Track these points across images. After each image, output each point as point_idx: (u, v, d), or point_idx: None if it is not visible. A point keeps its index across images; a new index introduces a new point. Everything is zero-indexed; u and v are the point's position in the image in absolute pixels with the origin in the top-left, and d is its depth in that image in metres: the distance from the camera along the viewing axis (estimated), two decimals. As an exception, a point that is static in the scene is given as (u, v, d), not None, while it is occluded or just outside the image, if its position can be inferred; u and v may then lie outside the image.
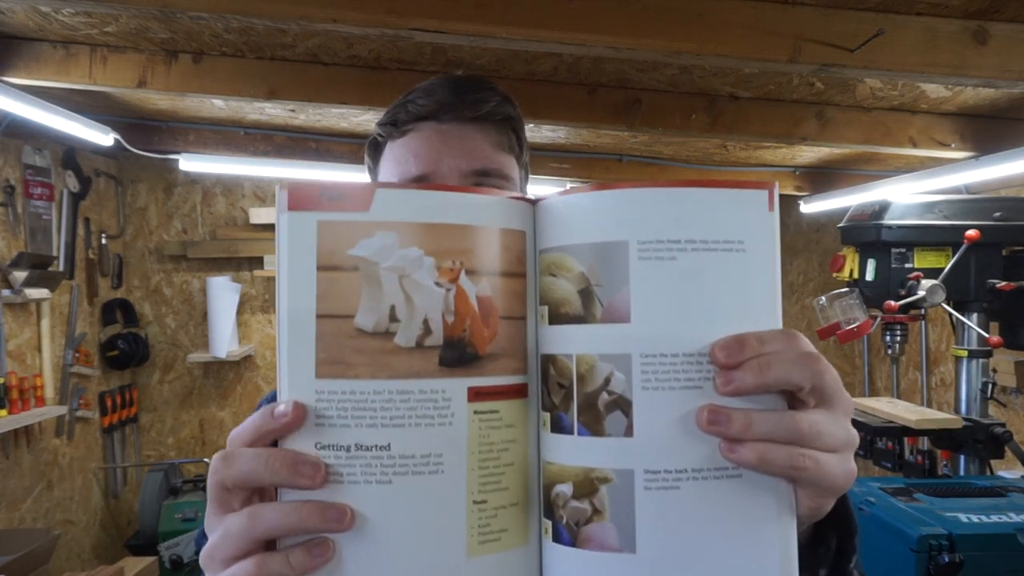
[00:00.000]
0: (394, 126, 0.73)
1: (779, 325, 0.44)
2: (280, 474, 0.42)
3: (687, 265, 0.43)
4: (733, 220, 0.44)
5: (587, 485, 0.44)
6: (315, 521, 0.41)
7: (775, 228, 0.44)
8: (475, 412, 0.44)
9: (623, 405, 0.43)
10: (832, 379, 0.43)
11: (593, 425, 0.44)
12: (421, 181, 0.71)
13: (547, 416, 0.46)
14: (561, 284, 0.46)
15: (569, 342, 0.45)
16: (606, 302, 0.44)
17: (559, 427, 0.45)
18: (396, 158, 0.73)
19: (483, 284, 0.45)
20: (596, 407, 0.44)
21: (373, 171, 0.79)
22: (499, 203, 0.46)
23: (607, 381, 0.44)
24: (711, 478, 0.43)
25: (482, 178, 0.71)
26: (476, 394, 0.45)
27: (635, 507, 0.43)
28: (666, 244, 0.43)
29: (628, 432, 0.43)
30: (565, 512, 0.44)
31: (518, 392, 0.46)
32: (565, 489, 0.45)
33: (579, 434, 0.44)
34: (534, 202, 0.47)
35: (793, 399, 0.44)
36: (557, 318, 0.46)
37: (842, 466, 0.44)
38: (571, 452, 0.45)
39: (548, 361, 0.46)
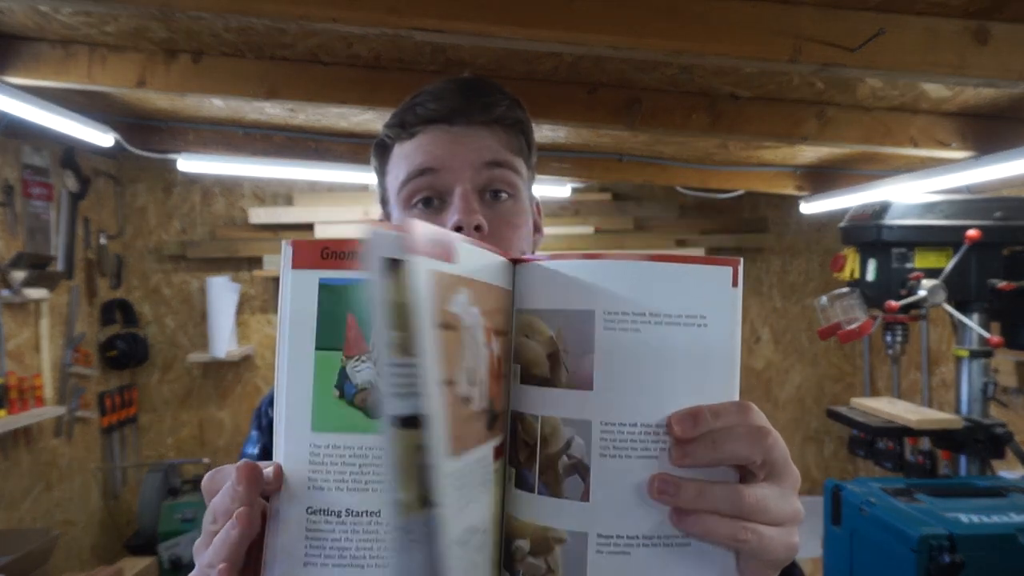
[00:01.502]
0: (402, 128, 0.74)
1: (735, 396, 0.45)
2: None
3: (650, 337, 0.44)
4: (697, 295, 0.45)
5: (543, 543, 0.45)
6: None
7: (737, 304, 0.46)
8: (494, 472, 0.46)
9: (581, 470, 0.44)
10: (781, 454, 0.45)
11: (553, 486, 0.45)
12: (425, 174, 0.72)
13: (512, 471, 0.47)
14: (532, 346, 0.47)
15: (536, 403, 0.46)
16: (571, 368, 0.45)
17: (522, 483, 0.47)
18: (405, 155, 0.73)
19: (494, 343, 0.46)
20: (556, 469, 0.45)
21: (381, 173, 0.79)
22: (503, 263, 0.47)
23: (568, 445, 0.45)
24: (661, 545, 0.44)
25: (495, 169, 0.72)
26: (498, 453, 0.46)
27: (587, 569, 0.44)
28: (631, 316, 0.44)
29: (584, 496, 0.44)
30: (522, 567, 0.45)
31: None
32: (523, 544, 0.46)
33: (539, 492, 0.46)
34: (515, 262, 0.49)
35: (744, 470, 0.45)
36: (527, 378, 0.47)
37: (784, 540, 0.45)
38: (531, 509, 0.46)
39: (517, 419, 0.47)
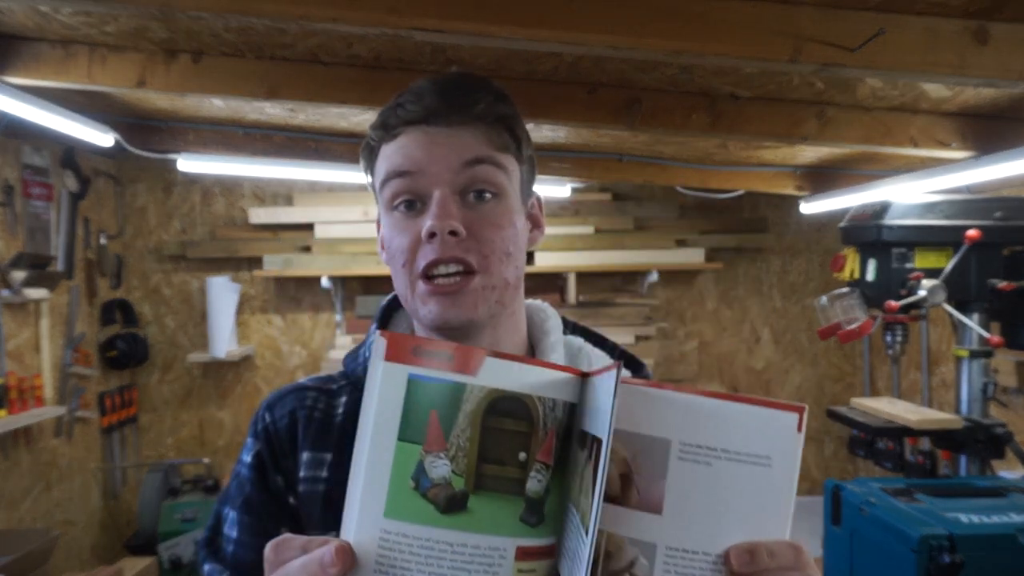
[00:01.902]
0: (385, 129, 0.74)
1: (787, 534, 0.49)
2: None
3: (720, 472, 0.48)
4: (765, 437, 0.49)
5: None
6: None
7: (798, 448, 0.50)
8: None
9: None
10: None
11: None
12: (404, 176, 0.71)
13: None
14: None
15: (604, 519, 0.48)
16: (643, 490, 0.49)
17: None
18: (387, 157, 0.73)
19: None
20: None
21: (369, 174, 0.79)
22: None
23: (631, 564, 0.48)
24: None
25: (475, 167, 0.71)
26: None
27: None
28: (705, 450, 0.48)
29: None
30: None
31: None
32: None
33: None
34: (584, 376, 0.53)
35: None
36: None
37: None
38: None
39: None
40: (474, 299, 0.71)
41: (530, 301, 0.87)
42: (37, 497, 3.01)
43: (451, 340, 0.75)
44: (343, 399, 0.81)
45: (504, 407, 0.50)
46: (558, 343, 0.82)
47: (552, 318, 0.85)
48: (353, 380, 0.82)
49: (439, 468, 0.48)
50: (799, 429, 0.50)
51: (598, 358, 0.84)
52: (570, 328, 0.89)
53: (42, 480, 3.05)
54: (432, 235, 0.69)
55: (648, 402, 0.49)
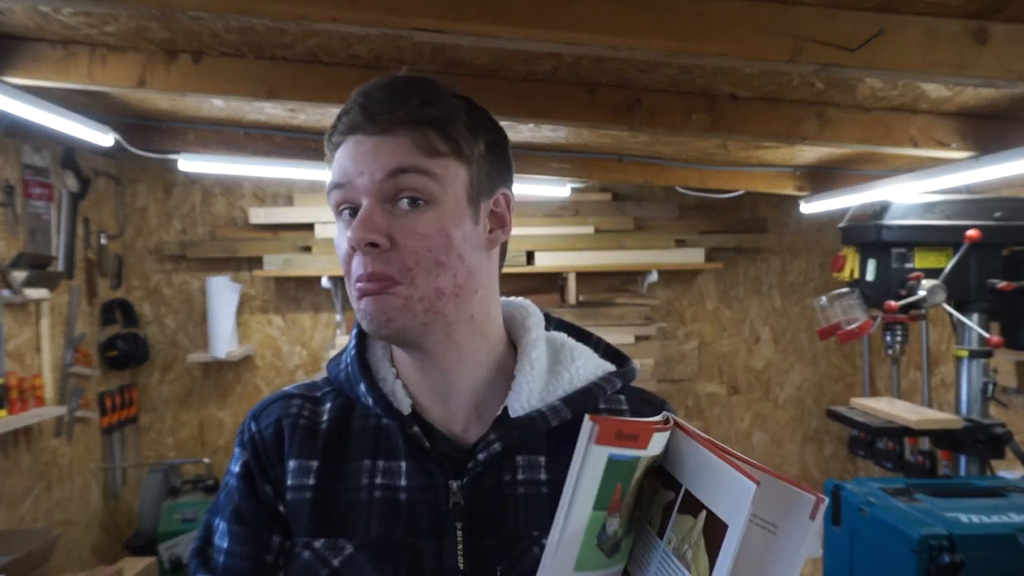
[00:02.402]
0: (330, 140, 0.76)
1: None
2: None
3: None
4: (778, 507, 0.54)
5: None
6: None
7: (809, 530, 0.53)
8: None
9: None
10: None
11: None
12: (338, 188, 0.73)
13: None
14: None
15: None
16: None
17: None
18: (333, 169, 0.75)
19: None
20: None
21: None
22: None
23: None
24: None
25: (399, 176, 0.70)
26: None
27: None
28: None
29: None
30: None
31: None
32: None
33: None
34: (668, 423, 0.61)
35: None
36: None
37: None
38: None
39: None
40: (394, 304, 0.71)
41: (511, 299, 0.86)
42: (37, 497, 3.01)
43: (401, 348, 0.78)
44: (327, 406, 0.81)
45: (650, 467, 0.61)
46: (539, 339, 0.81)
47: (533, 315, 0.84)
48: (336, 387, 0.82)
49: (613, 525, 0.59)
50: (811, 516, 0.53)
51: (581, 352, 0.83)
52: (553, 324, 0.88)
53: (42, 480, 3.05)
54: (353, 247, 0.71)
55: (700, 459, 0.57)
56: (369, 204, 0.70)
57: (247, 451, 0.79)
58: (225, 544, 0.77)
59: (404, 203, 0.70)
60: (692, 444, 0.58)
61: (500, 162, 0.78)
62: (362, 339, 0.82)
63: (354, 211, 0.72)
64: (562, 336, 0.86)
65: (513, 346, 0.83)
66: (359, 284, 0.71)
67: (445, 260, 0.71)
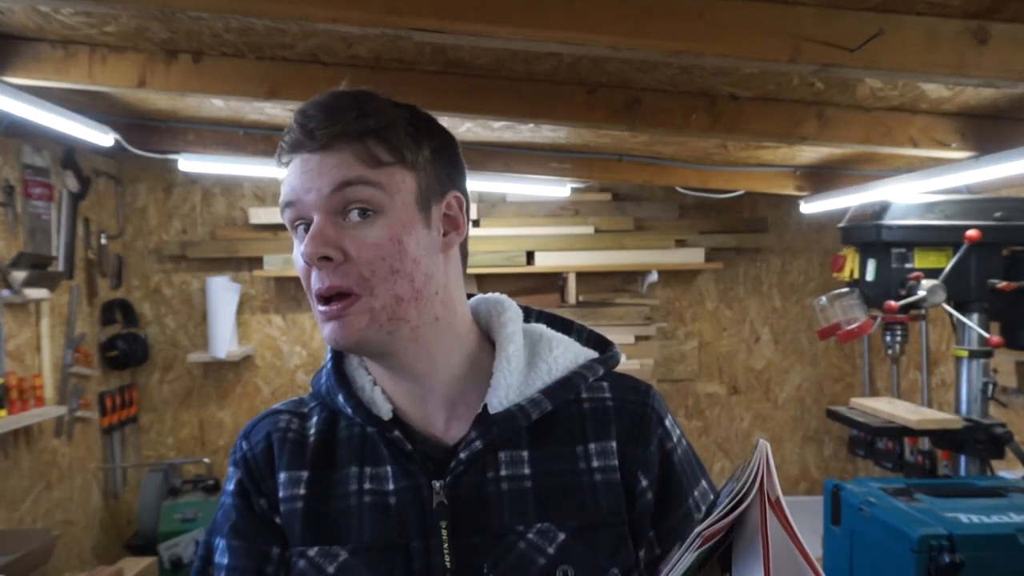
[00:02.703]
0: (280, 162, 0.77)
1: None
2: None
3: None
4: None
5: None
6: None
7: None
8: None
9: None
10: None
11: None
12: (289, 207, 0.73)
13: None
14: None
15: None
16: None
17: None
18: (283, 188, 0.76)
19: None
20: None
21: None
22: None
23: None
24: None
25: (345, 189, 0.71)
26: None
27: None
28: None
29: None
30: None
31: None
32: None
33: None
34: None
35: None
36: None
37: None
38: None
39: None
40: (359, 323, 0.71)
41: (487, 296, 0.87)
42: (37, 497, 3.01)
43: (369, 359, 0.79)
44: (314, 419, 0.82)
45: None
46: (515, 334, 0.81)
47: (508, 310, 0.84)
48: (321, 401, 0.83)
49: None
50: None
51: (559, 342, 0.83)
52: (533, 316, 0.88)
53: (42, 480, 3.05)
54: (308, 263, 0.71)
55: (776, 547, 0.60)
56: (319, 219, 0.71)
57: (240, 469, 0.80)
58: (226, 561, 0.77)
59: (354, 215, 0.71)
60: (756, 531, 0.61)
61: (449, 165, 0.79)
62: (337, 351, 0.84)
63: (308, 227, 0.73)
64: (540, 327, 0.86)
65: (491, 342, 0.83)
66: (322, 307, 0.72)
67: (400, 267, 0.72)
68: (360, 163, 0.72)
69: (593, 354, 0.84)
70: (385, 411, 0.78)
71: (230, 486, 0.81)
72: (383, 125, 0.73)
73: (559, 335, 0.85)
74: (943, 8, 1.45)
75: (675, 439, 0.83)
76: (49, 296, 2.98)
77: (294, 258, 0.75)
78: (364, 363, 0.82)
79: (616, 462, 0.79)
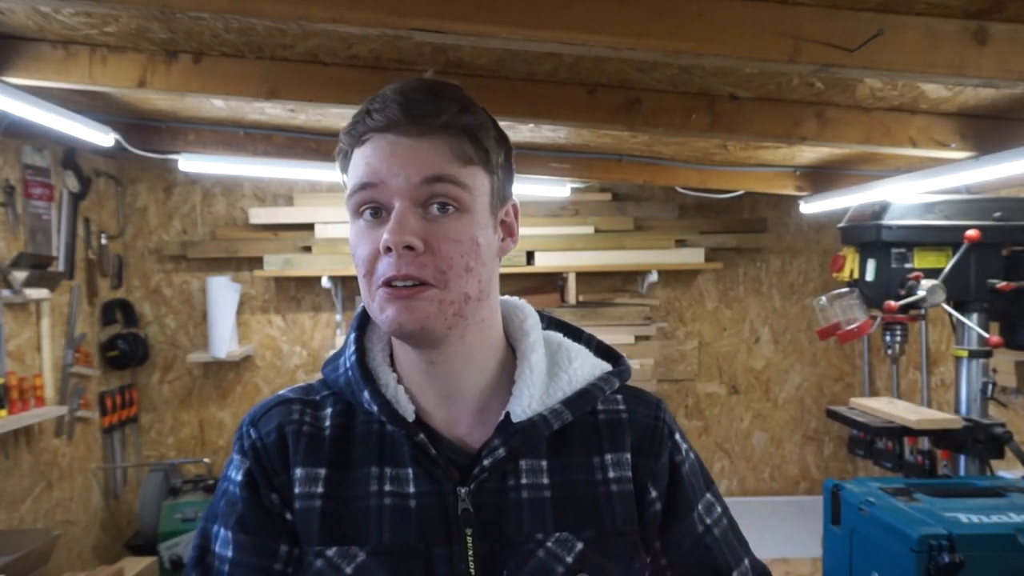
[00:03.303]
0: (353, 136, 0.74)
1: None
2: None
3: None
4: None
5: None
6: None
7: None
8: None
9: None
10: None
11: None
12: (367, 188, 0.71)
13: None
14: None
15: None
16: None
17: None
18: (354, 164, 0.73)
19: None
20: None
21: (345, 176, 0.78)
22: None
23: None
24: None
25: (435, 184, 0.70)
26: None
27: None
28: None
29: None
30: None
31: None
32: None
33: None
34: None
35: None
36: None
37: None
38: None
39: None
40: (428, 309, 0.71)
41: (507, 299, 0.86)
42: (38, 497, 3.01)
43: (416, 348, 0.76)
44: (328, 411, 0.80)
45: None
46: (537, 343, 0.82)
47: (530, 317, 0.85)
48: (335, 391, 0.82)
49: None
50: None
51: (577, 353, 0.84)
52: (546, 322, 0.88)
53: (43, 480, 3.05)
54: (389, 249, 0.69)
55: None
56: (403, 207, 0.70)
57: (248, 459, 0.78)
58: (229, 553, 0.76)
59: (435, 208, 0.71)
60: None
61: (512, 173, 0.80)
62: (361, 343, 0.82)
63: (376, 211, 0.72)
64: (558, 336, 0.86)
65: (511, 347, 0.83)
66: (389, 288, 0.70)
67: (473, 266, 0.72)
68: (454, 159, 0.71)
69: (608, 367, 0.85)
70: (409, 412, 0.77)
71: (237, 475, 0.78)
72: (479, 124, 0.74)
73: (577, 346, 0.85)
74: (943, 8, 1.45)
75: (683, 452, 0.85)
76: (49, 296, 2.98)
77: (353, 241, 0.74)
78: (388, 359, 0.81)
79: (630, 473, 0.80)
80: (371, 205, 0.72)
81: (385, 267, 0.70)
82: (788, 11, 1.43)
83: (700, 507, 0.83)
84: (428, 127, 0.71)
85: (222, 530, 0.77)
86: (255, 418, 0.80)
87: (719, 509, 0.85)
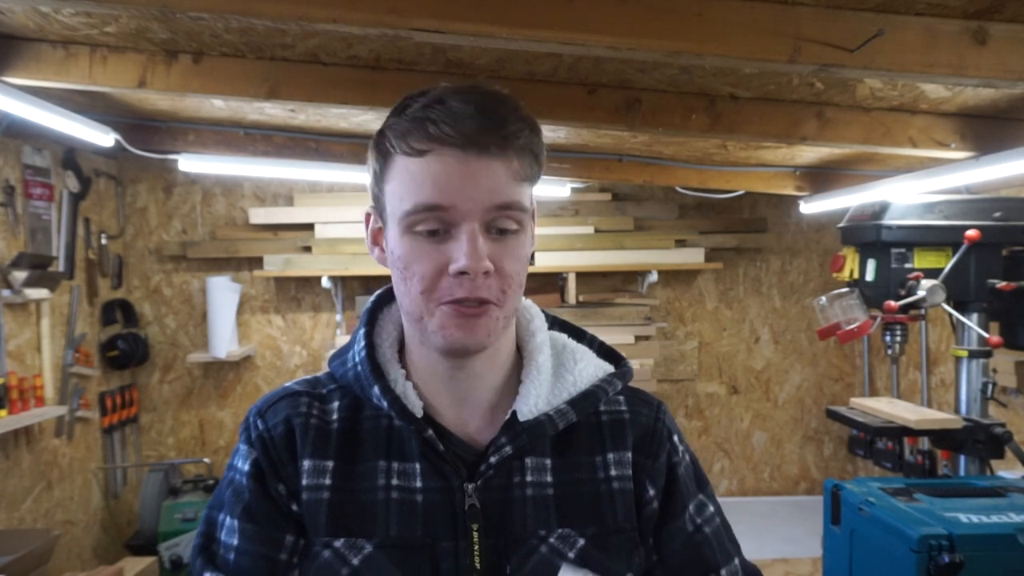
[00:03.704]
0: (410, 142, 0.70)
1: None
2: None
3: None
4: None
5: None
6: None
7: None
8: None
9: None
10: None
11: None
12: (437, 211, 0.69)
13: None
14: None
15: None
16: None
17: None
18: (413, 177, 0.70)
19: None
20: None
21: (380, 177, 0.75)
22: None
23: None
24: None
25: (501, 211, 0.70)
26: None
27: None
28: None
29: None
30: None
31: None
32: None
33: None
34: None
35: None
36: None
37: None
38: None
39: None
40: (489, 328, 0.72)
41: None
42: (38, 497, 3.01)
43: (454, 359, 0.76)
44: (336, 404, 0.81)
45: None
46: (544, 344, 0.83)
47: (537, 317, 0.85)
48: (342, 385, 0.82)
49: None
50: None
51: (582, 354, 0.85)
52: (550, 322, 0.89)
53: (43, 480, 3.05)
54: (463, 273, 0.69)
55: None
56: (475, 230, 0.69)
57: (256, 449, 0.79)
58: (235, 542, 0.76)
59: (495, 231, 0.71)
60: None
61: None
62: (370, 339, 0.82)
63: (432, 231, 0.70)
64: (563, 337, 0.87)
65: (517, 346, 0.84)
66: (456, 307, 0.70)
67: (522, 281, 0.74)
68: (520, 180, 0.72)
69: (611, 368, 0.86)
70: (417, 408, 0.77)
71: (244, 465, 0.79)
72: (539, 142, 0.74)
73: (581, 347, 0.86)
74: (943, 8, 1.45)
75: (680, 454, 0.86)
76: (49, 296, 2.98)
77: (408, 256, 0.71)
78: (397, 355, 0.82)
79: (630, 471, 0.82)
80: (431, 226, 0.70)
81: (452, 287, 0.70)
82: (788, 11, 1.43)
83: (692, 507, 0.84)
84: (505, 147, 0.69)
85: (228, 518, 0.78)
86: (262, 409, 0.81)
87: (711, 509, 0.86)
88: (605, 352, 0.89)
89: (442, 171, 0.68)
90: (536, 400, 0.78)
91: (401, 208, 0.71)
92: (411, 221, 0.70)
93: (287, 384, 0.84)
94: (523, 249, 0.73)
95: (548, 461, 0.79)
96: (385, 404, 0.77)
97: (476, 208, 0.69)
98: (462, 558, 0.74)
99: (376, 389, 0.77)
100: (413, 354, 0.80)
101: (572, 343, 0.86)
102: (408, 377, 0.79)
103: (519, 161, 0.71)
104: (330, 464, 0.77)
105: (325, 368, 0.87)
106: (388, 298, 0.86)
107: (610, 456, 0.81)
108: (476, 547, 0.75)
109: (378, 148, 0.74)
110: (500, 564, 0.75)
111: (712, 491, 0.88)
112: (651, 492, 0.82)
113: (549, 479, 0.79)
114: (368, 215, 0.80)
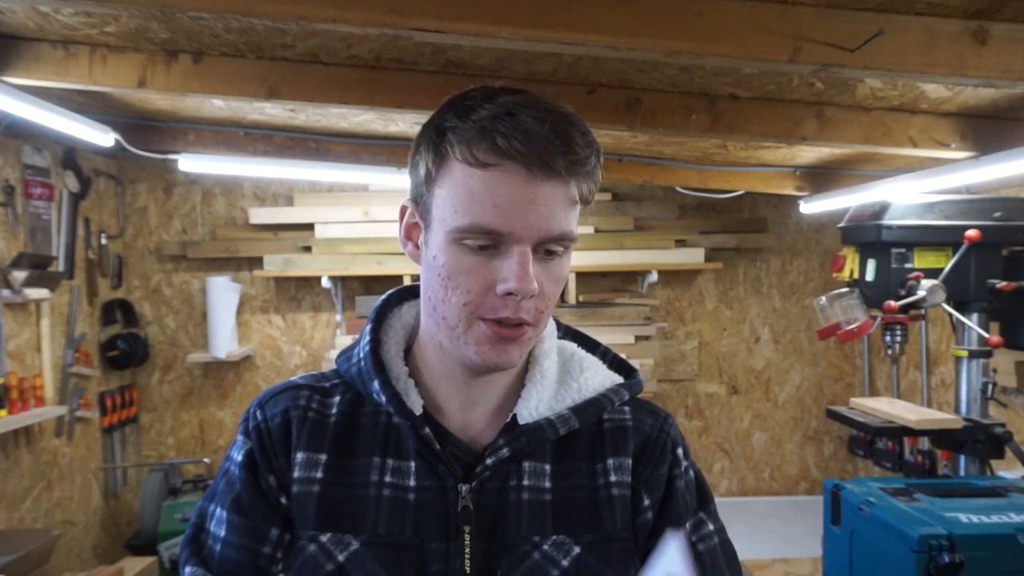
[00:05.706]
0: (473, 151, 0.67)
1: None
2: None
3: None
4: None
5: None
6: None
7: None
8: None
9: None
10: None
11: None
12: (490, 233, 0.68)
13: None
14: None
15: None
16: None
17: None
18: (471, 193, 0.68)
19: None
20: None
21: (431, 179, 0.71)
22: None
23: None
24: None
25: (555, 240, 0.70)
26: None
27: None
28: None
29: None
30: None
31: None
32: None
33: None
34: None
35: None
36: None
37: None
38: None
39: None
40: (522, 348, 0.73)
41: None
42: (37, 497, 3.01)
43: (480, 376, 0.76)
44: (336, 399, 0.81)
45: None
46: (551, 350, 0.82)
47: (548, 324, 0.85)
48: (347, 381, 0.82)
49: None
50: None
51: (590, 363, 0.84)
52: (562, 331, 0.88)
53: (43, 480, 3.05)
54: (510, 294, 0.68)
55: None
56: (526, 253, 0.68)
57: (251, 440, 0.78)
58: (222, 533, 0.76)
59: (544, 252, 0.71)
60: None
61: None
62: (376, 335, 0.82)
63: (479, 245, 0.69)
64: (572, 346, 0.86)
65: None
66: (497, 326, 0.70)
67: (556, 300, 0.74)
68: (575, 204, 0.71)
69: (619, 379, 0.85)
70: (417, 406, 0.77)
71: (238, 456, 0.79)
72: (599, 165, 0.73)
73: (589, 356, 0.86)
74: (943, 8, 1.45)
75: (682, 468, 0.84)
76: (49, 296, 2.98)
77: (452, 267, 0.70)
78: (402, 353, 0.81)
79: (629, 479, 0.80)
80: (483, 242, 0.69)
81: (497, 306, 0.69)
82: (788, 11, 1.43)
83: (688, 524, 0.82)
84: (569, 171, 0.68)
85: (218, 509, 0.78)
86: (263, 401, 0.81)
87: (709, 527, 0.83)
88: (617, 364, 0.88)
89: (504, 193, 0.67)
90: (537, 403, 0.78)
91: (455, 221, 0.69)
92: (462, 236, 0.69)
93: (293, 378, 0.84)
94: (564, 271, 0.73)
95: (547, 466, 0.78)
96: (384, 399, 0.76)
97: (530, 234, 0.68)
98: (452, 560, 0.73)
99: (376, 384, 0.77)
100: (427, 355, 0.79)
101: (581, 352, 0.85)
102: (411, 376, 0.79)
103: (580, 185, 0.70)
104: (323, 457, 0.77)
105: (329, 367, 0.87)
106: (398, 299, 0.86)
107: (610, 462, 0.80)
108: (467, 550, 0.74)
109: (435, 147, 0.71)
110: (491, 568, 0.74)
111: (715, 510, 0.85)
112: (646, 502, 0.80)
113: (547, 484, 0.78)
114: (404, 208, 0.77)
